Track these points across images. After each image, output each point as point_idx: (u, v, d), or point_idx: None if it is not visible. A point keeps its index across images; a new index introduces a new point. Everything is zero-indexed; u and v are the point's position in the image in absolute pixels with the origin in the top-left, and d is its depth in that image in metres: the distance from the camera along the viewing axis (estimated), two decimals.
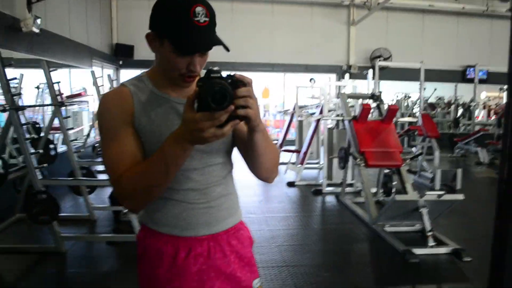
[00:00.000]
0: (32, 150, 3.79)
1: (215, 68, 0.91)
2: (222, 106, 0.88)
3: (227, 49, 1.04)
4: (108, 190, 4.74)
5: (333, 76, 10.65)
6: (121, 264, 3.46)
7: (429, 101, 11.40)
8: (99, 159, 6.26)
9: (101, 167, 6.95)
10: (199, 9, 1.01)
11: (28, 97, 6.13)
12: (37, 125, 6.10)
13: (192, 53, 1.05)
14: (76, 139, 7.41)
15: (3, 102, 3.77)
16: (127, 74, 10.20)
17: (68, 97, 6.78)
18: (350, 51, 10.73)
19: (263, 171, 1.18)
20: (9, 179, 4.03)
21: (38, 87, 6.67)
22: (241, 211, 1.31)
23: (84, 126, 8.43)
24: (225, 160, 1.22)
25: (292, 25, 10.42)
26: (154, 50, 1.10)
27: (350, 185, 5.87)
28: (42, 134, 5.41)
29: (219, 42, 1.04)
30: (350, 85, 8.12)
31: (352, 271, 3.39)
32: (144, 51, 9.85)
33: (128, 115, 1.10)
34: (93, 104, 8.11)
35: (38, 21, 5.12)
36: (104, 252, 3.67)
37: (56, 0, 5.61)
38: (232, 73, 0.94)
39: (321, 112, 6.57)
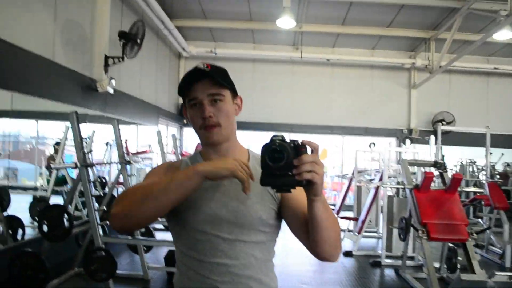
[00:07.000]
0: (97, 206, 3.99)
1: (278, 134, 0.97)
2: (279, 165, 0.92)
3: (236, 93, 1.24)
4: (165, 250, 4.81)
5: (393, 140, 10.42)
6: None
7: (496, 167, 10.77)
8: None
9: (159, 225, 7.12)
10: (200, 64, 1.18)
11: (97, 152, 6.48)
12: (103, 180, 6.42)
13: (189, 84, 1.17)
14: None
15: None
16: (190, 133, 10.61)
17: (134, 153, 7.12)
18: (411, 115, 10.54)
19: (327, 247, 1.08)
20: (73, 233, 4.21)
21: (107, 143, 7.10)
22: None
23: None
24: (261, 240, 1.15)
25: (351, 87, 10.44)
26: (186, 119, 1.28)
27: (411, 258, 5.55)
28: (106, 190, 5.67)
29: (212, 75, 1.15)
30: (411, 150, 7.87)
31: None
32: None
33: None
34: (157, 162, 8.43)
35: (113, 82, 5.52)
36: None
37: (130, 63, 6.02)
38: (299, 139, 0.97)
39: (380, 179, 6.40)
